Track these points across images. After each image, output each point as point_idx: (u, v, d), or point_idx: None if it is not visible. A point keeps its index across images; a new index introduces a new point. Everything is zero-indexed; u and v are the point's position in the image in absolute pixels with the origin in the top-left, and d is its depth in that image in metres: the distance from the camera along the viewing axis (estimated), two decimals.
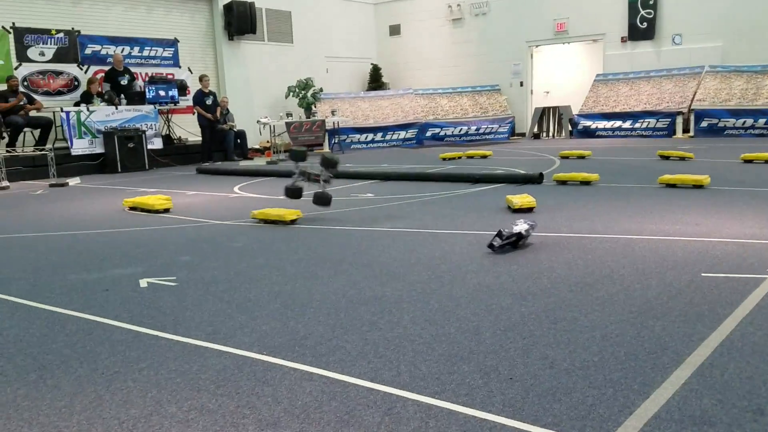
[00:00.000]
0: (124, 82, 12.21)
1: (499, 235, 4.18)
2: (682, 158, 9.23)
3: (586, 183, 7.18)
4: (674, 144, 11.66)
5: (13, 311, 3.39)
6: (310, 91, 15.25)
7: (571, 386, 2.21)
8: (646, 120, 14.09)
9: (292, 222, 5.58)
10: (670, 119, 13.79)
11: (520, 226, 4.25)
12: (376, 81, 18.05)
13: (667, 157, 9.39)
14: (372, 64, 18.30)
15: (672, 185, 6.69)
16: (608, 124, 14.54)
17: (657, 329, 2.73)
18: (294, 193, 6.11)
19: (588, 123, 14.79)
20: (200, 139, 13.20)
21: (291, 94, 15.28)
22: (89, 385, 2.41)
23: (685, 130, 13.67)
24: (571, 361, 2.42)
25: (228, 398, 2.24)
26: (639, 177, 7.66)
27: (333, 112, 14.77)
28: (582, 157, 10.08)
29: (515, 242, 4.21)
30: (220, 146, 13.04)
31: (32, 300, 3.56)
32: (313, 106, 15.20)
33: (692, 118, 13.56)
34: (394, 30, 18.54)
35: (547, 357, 2.48)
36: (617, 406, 2.06)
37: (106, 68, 12.66)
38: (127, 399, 2.27)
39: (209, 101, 12.97)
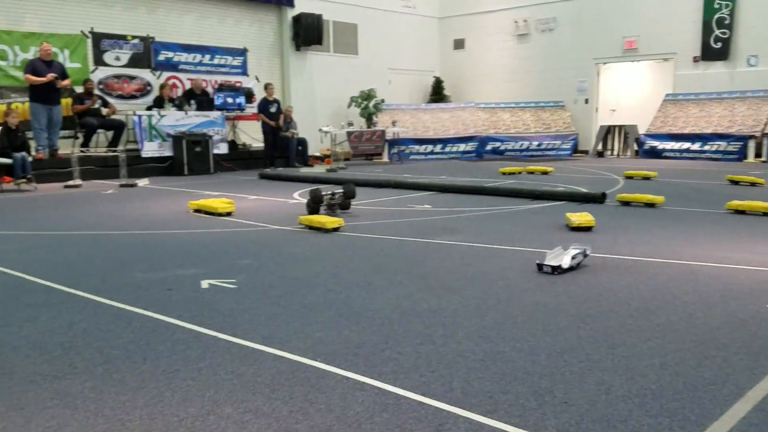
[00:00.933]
0: (273, 110, 13.31)
1: (539, 268, 4.11)
2: (753, 184, 8.87)
3: (650, 205, 6.99)
4: (745, 169, 11.22)
5: (82, 306, 3.55)
6: (372, 102, 15.41)
7: (627, 414, 2.16)
8: (716, 143, 13.61)
9: (334, 230, 5.67)
10: (741, 143, 13.28)
11: (566, 258, 4.13)
12: (437, 93, 18.08)
13: (737, 182, 9.05)
14: (434, 76, 18.35)
15: (741, 212, 6.44)
16: (676, 145, 14.11)
17: (718, 360, 2.64)
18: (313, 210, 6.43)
19: (655, 143, 14.39)
20: (263, 145, 13.50)
21: (353, 103, 15.48)
22: (152, 381, 2.50)
23: (758, 155, 13.13)
24: (629, 388, 2.37)
25: (282, 403, 2.29)
26: (706, 201, 7.41)
27: (394, 123, 14.87)
28: (647, 178, 9.81)
29: (567, 269, 4.11)
30: (282, 153, 13.31)
31: (101, 296, 3.71)
32: (374, 117, 15.35)
33: (765, 142, 13.02)
34: (459, 44, 18.55)
35: (604, 382, 2.43)
36: None
37: (178, 75, 13.14)
38: (186, 397, 2.35)
39: (273, 109, 13.23)
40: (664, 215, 6.47)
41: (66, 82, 10.67)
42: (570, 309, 3.36)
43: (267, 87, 13.42)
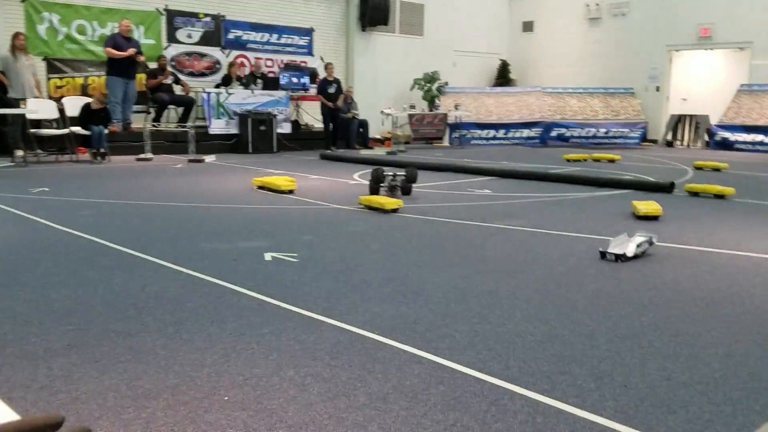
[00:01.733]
0: (331, 90, 13.24)
1: (602, 255, 4.03)
2: None
3: (720, 197, 6.74)
4: None
5: (155, 271, 3.72)
6: (435, 84, 15.32)
7: (688, 400, 2.14)
8: None
9: (394, 211, 5.70)
10: None
11: (631, 245, 4.05)
12: (503, 77, 17.81)
13: None
14: (501, 59, 18.06)
15: None
16: (749, 137, 13.51)
17: None
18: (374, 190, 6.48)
19: (727, 134, 13.81)
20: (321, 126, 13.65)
21: (416, 86, 15.42)
22: (219, 342, 2.62)
23: None
24: (690, 376, 2.33)
25: (341, 370, 2.36)
26: None
27: (456, 107, 14.75)
28: (717, 170, 9.45)
29: (631, 258, 4.03)
30: (343, 134, 13.42)
31: (171, 263, 3.88)
32: (437, 99, 15.26)
33: None
34: (527, 26, 18.18)
35: (665, 369, 2.40)
36: (736, 425, 1.97)
37: (247, 53, 13.40)
38: (250, 359, 2.45)
39: (332, 89, 13.14)
40: (734, 207, 6.24)
41: (142, 58, 11.06)
42: (632, 296, 3.31)
43: (327, 66, 13.43)
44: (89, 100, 10.17)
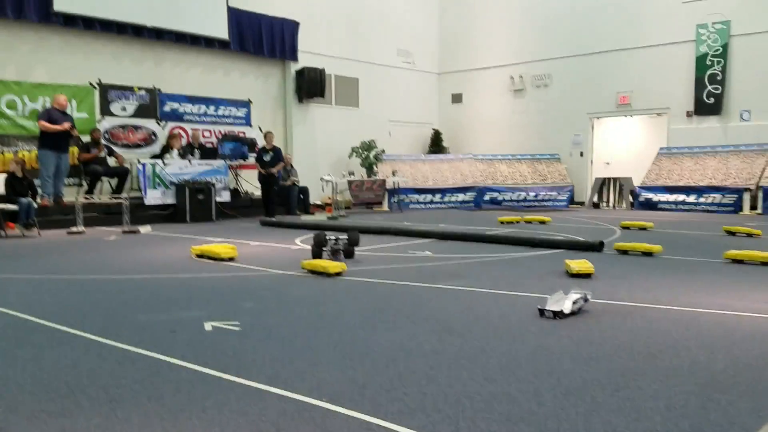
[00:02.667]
0: (267, 158, 13.36)
1: (541, 313, 4.14)
2: (750, 235, 8.95)
3: (648, 254, 7.04)
4: (741, 220, 11.33)
5: (87, 347, 3.55)
6: (373, 152, 15.67)
7: None
8: (711, 195, 13.79)
9: (337, 274, 5.71)
10: (736, 195, 13.46)
11: (567, 302, 4.17)
12: (436, 145, 18.40)
13: (733, 233, 9.13)
14: (433, 129, 18.71)
15: (739, 261, 6.49)
16: (671, 197, 14.29)
17: (723, 403, 2.65)
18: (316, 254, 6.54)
19: (650, 195, 14.57)
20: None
21: (354, 154, 15.72)
22: (157, 419, 2.50)
23: (753, 207, 13.29)
24: (634, 429, 2.38)
25: None
26: (704, 251, 7.48)
27: (394, 173, 15.08)
28: (644, 229, 9.90)
29: (568, 314, 4.14)
30: (283, 201, 13.43)
31: (105, 337, 3.72)
32: (374, 167, 15.57)
33: (760, 195, 13.20)
34: (456, 98, 18.97)
35: (610, 423, 2.44)
36: None
37: (184, 125, 13.39)
38: None
39: (267, 157, 13.24)
40: (663, 264, 6.52)
41: (76, 132, 10.88)
42: (573, 352, 3.38)
43: (266, 136, 13.55)
44: (12, 169, 9.80)
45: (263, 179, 13.16)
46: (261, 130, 14.71)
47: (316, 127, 15.97)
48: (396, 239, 8.77)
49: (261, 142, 14.07)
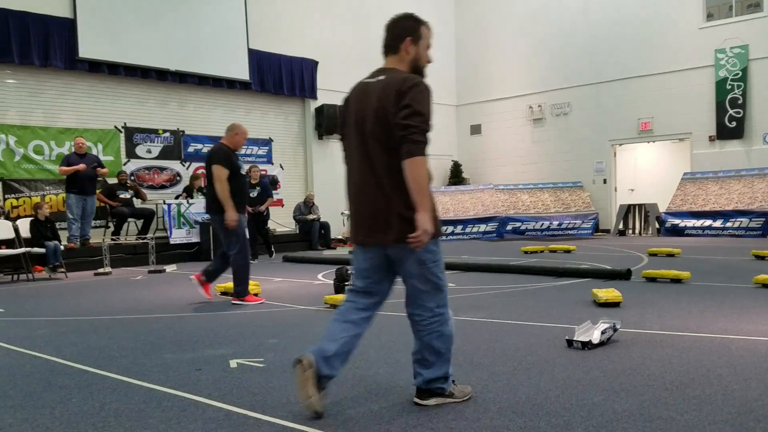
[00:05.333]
0: (253, 194, 12.07)
1: (569, 344, 4.08)
2: None
3: (677, 281, 6.93)
4: None
5: (114, 388, 3.57)
6: None
7: None
8: (738, 219, 13.57)
9: None
10: (763, 218, 13.22)
11: (596, 332, 4.10)
12: (456, 176, 18.43)
13: (762, 257, 8.96)
14: (453, 160, 18.75)
15: None
16: (697, 222, 14.09)
17: (758, 431, 2.57)
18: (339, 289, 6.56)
19: (676, 221, 14.38)
20: (288, 229, 13.70)
21: None
22: None
23: None
24: None
25: None
26: (733, 276, 7.34)
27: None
28: (671, 255, 9.76)
29: (597, 344, 4.07)
30: (306, 236, 13.51)
31: (131, 377, 3.75)
32: None
33: None
34: (475, 129, 19.05)
35: None
36: None
37: None
38: None
39: (254, 193, 11.87)
40: (691, 290, 6.40)
41: (104, 171, 11.07)
42: (603, 383, 3.31)
43: (250, 170, 12.24)
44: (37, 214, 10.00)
45: (250, 218, 11.37)
46: (282, 167, 14.89)
47: (336, 163, 16.08)
48: None
49: (282, 180, 14.22)
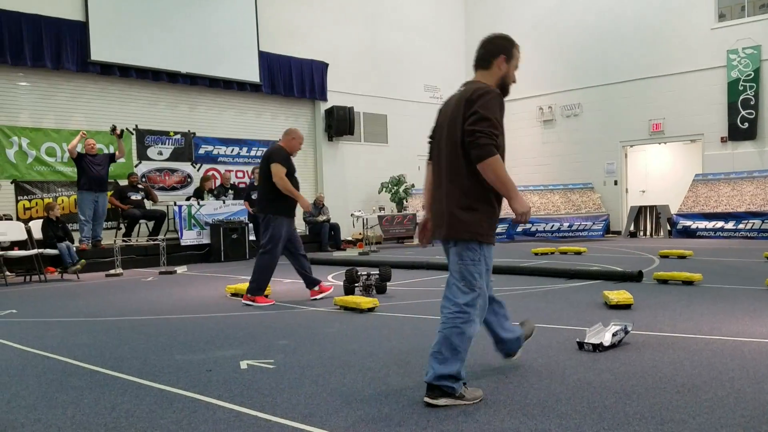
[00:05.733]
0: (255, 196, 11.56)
1: (580, 346, 4.07)
2: None
3: (688, 283, 6.88)
4: None
5: (125, 389, 3.59)
6: (402, 187, 15.72)
7: None
8: (750, 221, 13.46)
9: (370, 310, 5.73)
10: None
11: (607, 335, 4.08)
12: None
13: None
14: None
15: None
16: (709, 224, 13.98)
17: None
18: (348, 290, 6.66)
19: (688, 223, 14.29)
20: (298, 230, 13.70)
21: (384, 189, 15.80)
22: None
23: None
24: None
25: None
26: (745, 278, 7.28)
27: (424, 207, 15.10)
28: (683, 257, 9.69)
29: (608, 347, 4.05)
30: (315, 237, 13.53)
31: (143, 378, 3.77)
32: (404, 201, 15.61)
33: None
34: None
35: None
36: None
37: (217, 166, 13.67)
38: None
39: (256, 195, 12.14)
40: (703, 292, 6.36)
41: (118, 154, 11.19)
42: (615, 386, 3.29)
43: (253, 171, 12.41)
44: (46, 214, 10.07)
45: (253, 220, 11.94)
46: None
47: (346, 164, 16.14)
48: (428, 273, 8.73)
49: None
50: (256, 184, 10.88)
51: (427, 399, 3.07)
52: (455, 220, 3.12)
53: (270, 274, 6.46)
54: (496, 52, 3.27)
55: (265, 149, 14.53)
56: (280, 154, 6.41)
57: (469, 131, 3.00)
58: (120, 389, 3.57)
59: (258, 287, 6.41)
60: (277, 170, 6.28)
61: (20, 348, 4.78)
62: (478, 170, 3.01)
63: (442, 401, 3.05)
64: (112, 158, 11.12)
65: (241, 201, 12.77)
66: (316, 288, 6.72)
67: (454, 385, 3.06)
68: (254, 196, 11.54)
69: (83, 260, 9.60)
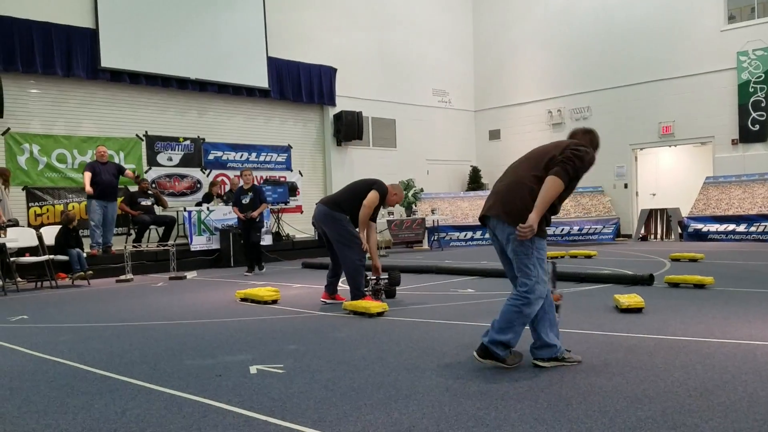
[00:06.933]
0: (245, 200, 10.49)
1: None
2: None
3: (700, 286, 6.83)
4: None
5: (135, 393, 3.60)
6: (411, 191, 15.72)
7: None
8: (762, 224, 13.35)
9: (379, 315, 5.73)
10: None
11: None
12: (475, 182, 18.36)
13: None
14: (472, 166, 18.70)
15: None
16: (721, 227, 13.88)
17: None
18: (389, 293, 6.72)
19: (699, 226, 14.18)
20: (307, 235, 13.73)
21: None
22: None
23: None
24: None
25: None
26: (757, 282, 7.21)
27: (433, 211, 15.08)
28: (694, 260, 9.62)
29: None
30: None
31: (152, 383, 3.77)
32: (413, 205, 15.60)
33: None
34: (494, 134, 18.98)
35: None
36: None
37: (227, 172, 13.72)
38: None
39: (246, 199, 10.44)
40: (715, 296, 6.31)
41: (130, 173, 11.22)
42: (626, 390, 3.27)
43: (243, 173, 10.89)
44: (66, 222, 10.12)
45: (242, 225, 10.61)
46: (301, 174, 14.96)
47: (355, 169, 16.14)
48: (437, 278, 8.71)
49: (301, 186, 14.26)
50: (245, 187, 10.51)
51: (475, 354, 3.74)
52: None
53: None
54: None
55: (274, 154, 14.65)
56: (382, 190, 6.54)
57: (559, 160, 3.63)
58: (130, 394, 3.57)
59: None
60: (373, 200, 6.40)
61: (31, 353, 4.81)
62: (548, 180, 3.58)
63: (487, 362, 3.70)
64: (121, 170, 11.16)
65: None
66: (333, 295, 6.71)
67: (501, 352, 3.68)
68: (244, 201, 10.44)
69: (91, 271, 9.64)
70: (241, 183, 10.71)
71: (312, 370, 3.91)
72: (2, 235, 9.08)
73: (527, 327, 3.78)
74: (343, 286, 6.98)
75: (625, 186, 16.47)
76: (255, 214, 10.31)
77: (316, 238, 13.63)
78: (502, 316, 3.67)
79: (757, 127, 14.38)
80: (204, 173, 13.64)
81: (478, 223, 14.93)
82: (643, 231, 15.35)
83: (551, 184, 3.54)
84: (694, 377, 3.45)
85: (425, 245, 14.94)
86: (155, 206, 12.14)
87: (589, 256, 11.05)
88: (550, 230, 14.96)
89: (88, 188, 10.59)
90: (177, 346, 4.87)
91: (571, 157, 3.60)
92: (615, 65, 16.41)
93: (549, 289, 3.85)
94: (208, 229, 12.08)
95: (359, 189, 6.51)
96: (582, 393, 3.25)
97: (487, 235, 15.24)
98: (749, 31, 14.45)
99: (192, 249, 11.83)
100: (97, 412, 3.25)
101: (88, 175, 10.68)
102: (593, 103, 16.91)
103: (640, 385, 3.35)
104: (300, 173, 15.16)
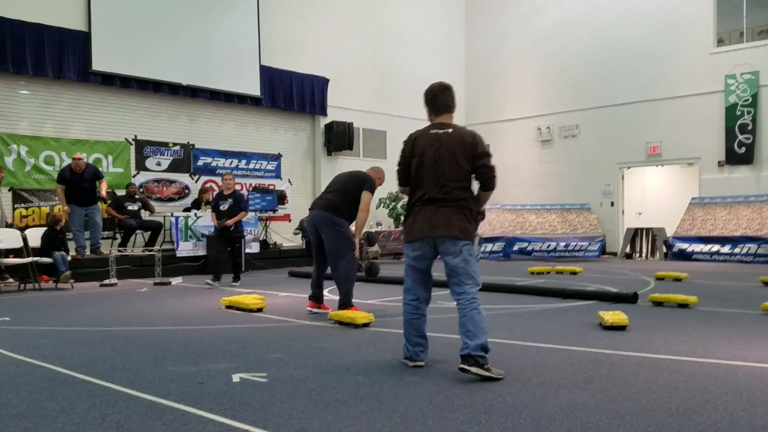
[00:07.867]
0: (224, 207, 9.73)
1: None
2: None
3: (684, 305, 6.88)
4: None
5: (116, 399, 3.57)
6: (400, 203, 15.74)
7: None
8: (746, 245, 13.48)
9: (365, 325, 5.72)
10: None
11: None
12: None
13: None
14: None
15: None
16: (705, 247, 14.00)
17: None
18: (370, 272, 6.91)
19: (684, 246, 14.30)
20: (294, 244, 13.67)
21: (382, 205, 15.82)
22: None
23: None
24: None
25: None
26: (741, 302, 7.28)
27: None
28: (678, 280, 9.69)
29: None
30: (311, 251, 13.49)
31: (134, 389, 3.74)
32: (401, 217, 15.61)
33: None
34: None
35: None
36: None
37: (216, 179, 13.68)
38: None
39: (224, 206, 9.69)
40: (699, 316, 6.36)
41: (103, 186, 11.00)
42: (609, 407, 3.28)
43: (224, 178, 10.13)
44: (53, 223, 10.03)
45: (217, 233, 9.88)
46: (290, 182, 14.94)
47: None
48: None
49: (289, 195, 14.23)
50: (225, 193, 9.83)
51: (463, 366, 3.81)
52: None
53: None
54: (454, 100, 4.43)
55: (264, 161, 14.62)
56: (373, 187, 6.54)
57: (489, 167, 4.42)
58: (111, 400, 3.54)
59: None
60: (369, 202, 6.48)
61: (12, 356, 4.75)
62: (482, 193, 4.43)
63: (474, 370, 3.77)
64: (98, 177, 11.03)
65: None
66: (319, 304, 6.70)
67: (485, 356, 3.82)
68: (222, 207, 9.69)
69: (68, 272, 9.54)
70: (222, 189, 10.06)
71: (295, 380, 3.89)
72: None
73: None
74: (329, 295, 6.96)
75: (612, 204, 16.59)
76: (230, 222, 9.57)
77: (304, 246, 13.61)
78: (471, 322, 3.91)
79: (743, 149, 14.56)
80: (193, 179, 13.59)
81: None
82: (628, 249, 15.46)
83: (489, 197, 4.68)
84: (677, 396, 3.47)
85: None
86: (142, 211, 12.06)
87: (574, 273, 11.10)
88: (537, 245, 15.16)
89: (65, 207, 10.58)
90: (160, 353, 4.83)
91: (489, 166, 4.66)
92: (605, 85, 16.57)
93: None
94: (195, 235, 12.02)
95: (350, 188, 6.49)
96: (565, 409, 3.26)
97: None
98: (738, 54, 14.67)
99: (178, 255, 11.76)
100: (77, 417, 3.22)
101: (61, 190, 10.59)
102: (582, 122, 17.06)
103: (622, 402, 3.36)
104: (289, 182, 15.15)
